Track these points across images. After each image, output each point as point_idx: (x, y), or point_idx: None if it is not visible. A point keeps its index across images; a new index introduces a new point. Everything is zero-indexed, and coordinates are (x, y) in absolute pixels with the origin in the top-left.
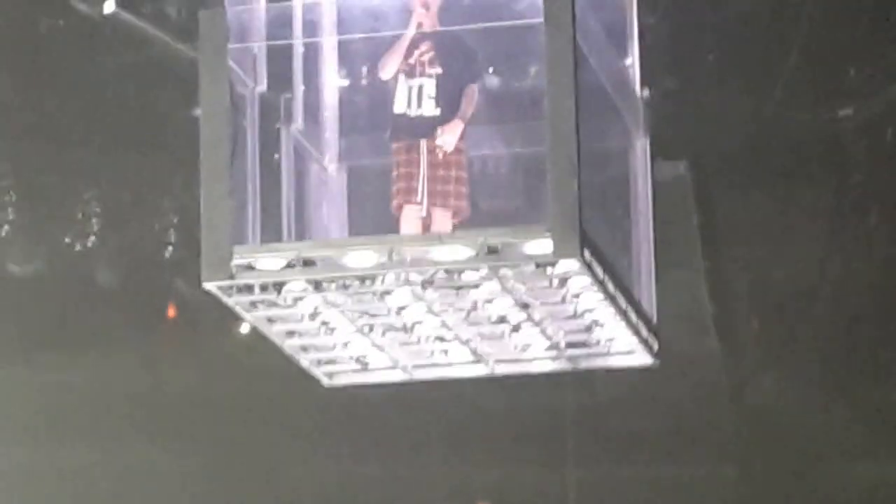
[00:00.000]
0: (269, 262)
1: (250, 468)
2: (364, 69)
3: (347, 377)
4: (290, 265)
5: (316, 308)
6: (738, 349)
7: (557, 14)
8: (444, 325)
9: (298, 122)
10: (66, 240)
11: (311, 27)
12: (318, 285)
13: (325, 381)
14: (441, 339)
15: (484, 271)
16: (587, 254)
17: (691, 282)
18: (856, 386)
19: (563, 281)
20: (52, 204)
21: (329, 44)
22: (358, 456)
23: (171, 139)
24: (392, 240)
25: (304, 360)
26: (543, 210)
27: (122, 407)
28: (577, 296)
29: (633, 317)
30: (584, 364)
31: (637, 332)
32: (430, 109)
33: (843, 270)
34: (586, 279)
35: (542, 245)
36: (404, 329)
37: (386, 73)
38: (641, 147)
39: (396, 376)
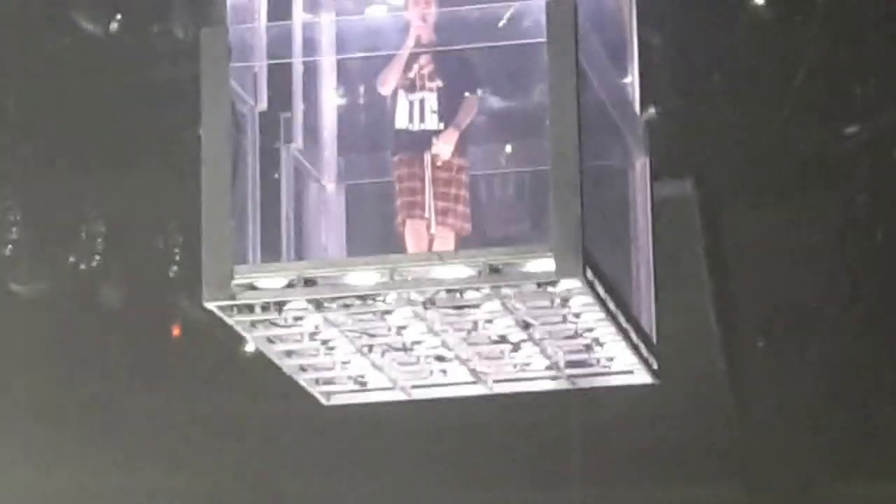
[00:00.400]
0: (270, 281)
1: (255, 489)
2: (362, 88)
3: (346, 397)
4: (291, 284)
5: (316, 327)
6: (743, 367)
7: (561, 33)
8: (444, 344)
9: (298, 141)
10: (71, 259)
11: (310, 46)
12: (319, 304)
13: (324, 401)
14: (441, 358)
15: (485, 291)
16: (589, 273)
17: (697, 300)
18: (863, 404)
19: (565, 300)
20: (57, 223)
21: (328, 62)
22: (361, 475)
23: (176, 158)
24: (394, 259)
25: (303, 380)
26: (544, 228)
27: (126, 426)
28: (577, 315)
29: (634, 336)
30: (583, 383)
31: (637, 351)
32: (433, 124)
33: (848, 288)
34: (588, 298)
35: (544, 264)
36: (404, 348)
37: (386, 88)
38: (641, 166)
39: (395, 396)
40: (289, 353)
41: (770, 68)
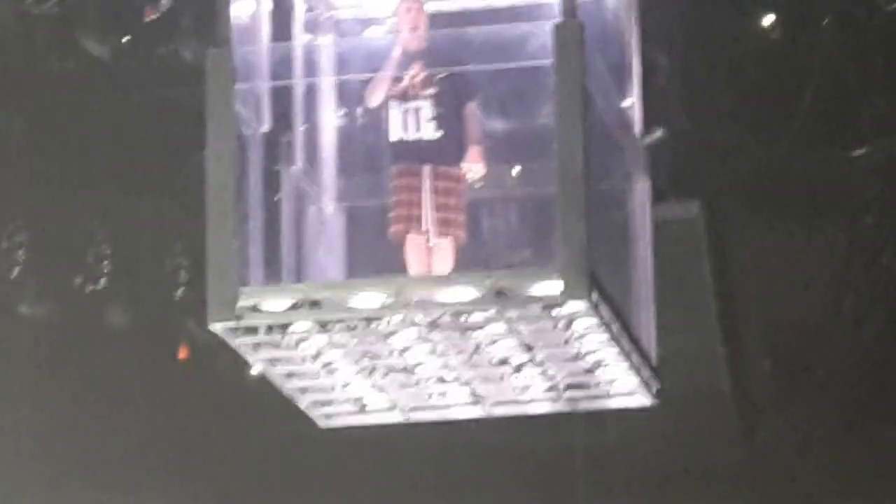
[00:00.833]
0: (275, 303)
1: None
2: (359, 109)
3: (344, 419)
4: (295, 306)
5: (319, 349)
6: (749, 389)
7: (568, 55)
8: (446, 366)
9: (298, 163)
10: (77, 281)
11: (311, 67)
12: (323, 326)
13: (322, 423)
14: (442, 380)
15: (490, 312)
16: (595, 295)
17: (703, 321)
18: (869, 426)
19: (569, 322)
20: (63, 246)
21: (327, 84)
22: (364, 500)
23: (182, 181)
24: (400, 281)
25: (303, 402)
26: (547, 250)
27: (132, 449)
28: (580, 337)
29: (636, 358)
30: (583, 406)
31: (638, 373)
32: (430, 132)
33: (856, 310)
34: (591, 320)
35: (550, 286)
36: (405, 370)
37: (373, 100)
38: (642, 188)
39: (393, 418)
40: (289, 376)
41: (777, 89)
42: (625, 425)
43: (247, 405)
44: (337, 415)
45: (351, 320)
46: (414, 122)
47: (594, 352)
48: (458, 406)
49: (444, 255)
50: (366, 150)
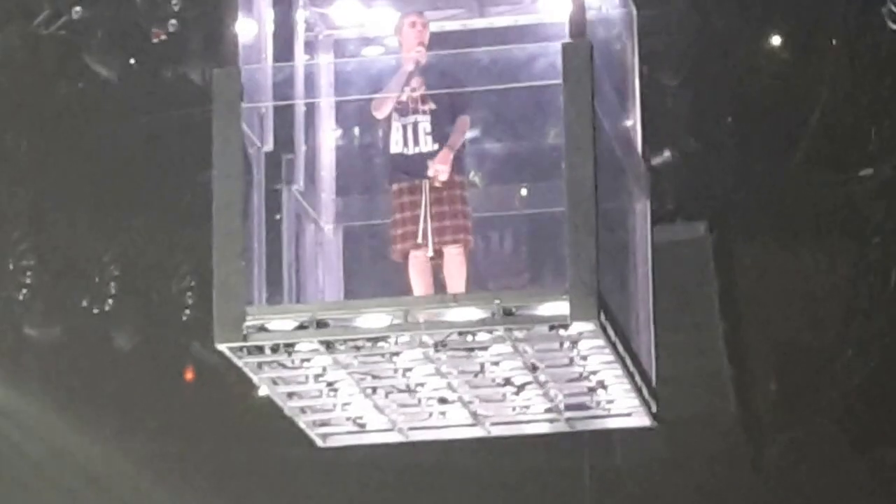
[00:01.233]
0: (282, 322)
1: None
2: (357, 129)
3: (342, 438)
4: (302, 326)
5: (323, 369)
6: (756, 411)
7: (577, 75)
8: (449, 386)
9: (300, 182)
10: (84, 303)
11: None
12: (329, 345)
13: (320, 443)
14: (443, 400)
15: (497, 333)
16: (602, 316)
17: (710, 343)
18: (876, 448)
19: (575, 342)
20: (70, 267)
21: (326, 104)
22: None
23: (189, 202)
24: (407, 301)
25: (302, 422)
26: (552, 270)
27: (140, 469)
28: (585, 357)
29: (637, 378)
30: (582, 426)
31: (639, 394)
32: (428, 146)
33: (862, 331)
34: (597, 341)
35: (557, 307)
36: (408, 390)
37: (381, 112)
38: (642, 209)
39: (392, 438)
40: (290, 395)
41: (784, 110)
42: (630, 446)
43: (253, 425)
44: (335, 434)
45: (357, 340)
46: (412, 136)
47: (597, 372)
48: (457, 426)
49: (456, 265)
50: (365, 170)
